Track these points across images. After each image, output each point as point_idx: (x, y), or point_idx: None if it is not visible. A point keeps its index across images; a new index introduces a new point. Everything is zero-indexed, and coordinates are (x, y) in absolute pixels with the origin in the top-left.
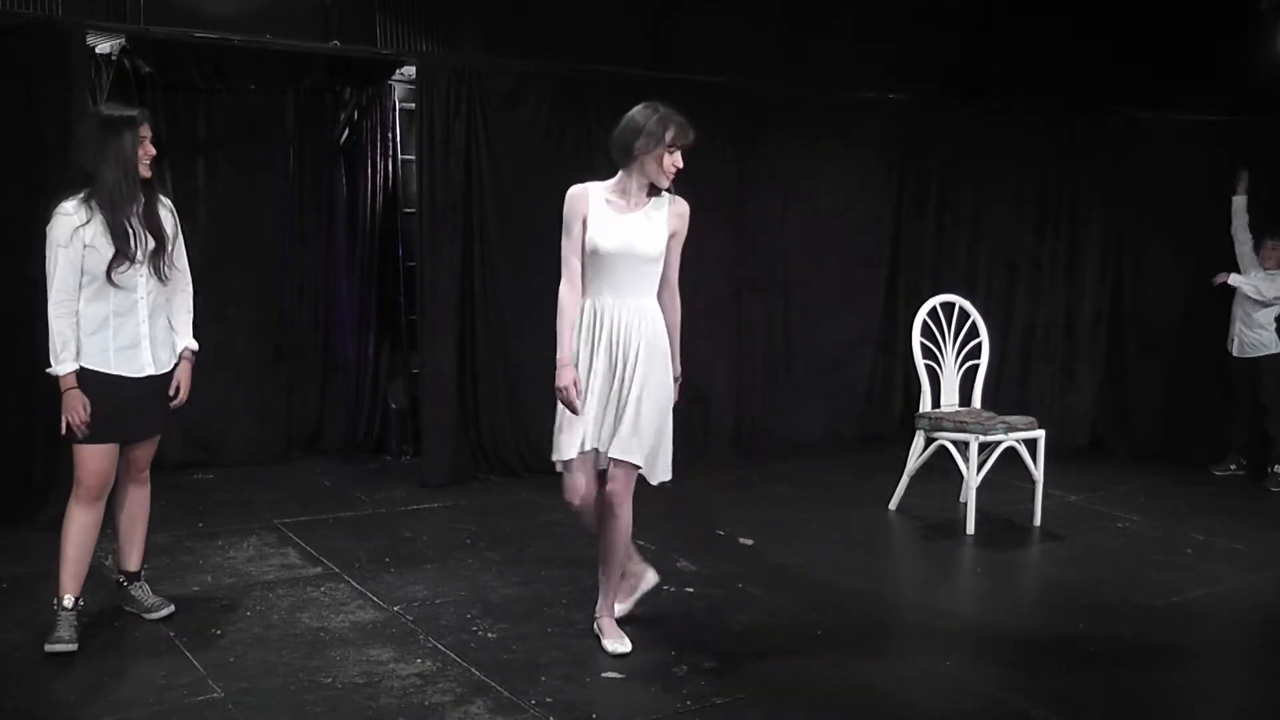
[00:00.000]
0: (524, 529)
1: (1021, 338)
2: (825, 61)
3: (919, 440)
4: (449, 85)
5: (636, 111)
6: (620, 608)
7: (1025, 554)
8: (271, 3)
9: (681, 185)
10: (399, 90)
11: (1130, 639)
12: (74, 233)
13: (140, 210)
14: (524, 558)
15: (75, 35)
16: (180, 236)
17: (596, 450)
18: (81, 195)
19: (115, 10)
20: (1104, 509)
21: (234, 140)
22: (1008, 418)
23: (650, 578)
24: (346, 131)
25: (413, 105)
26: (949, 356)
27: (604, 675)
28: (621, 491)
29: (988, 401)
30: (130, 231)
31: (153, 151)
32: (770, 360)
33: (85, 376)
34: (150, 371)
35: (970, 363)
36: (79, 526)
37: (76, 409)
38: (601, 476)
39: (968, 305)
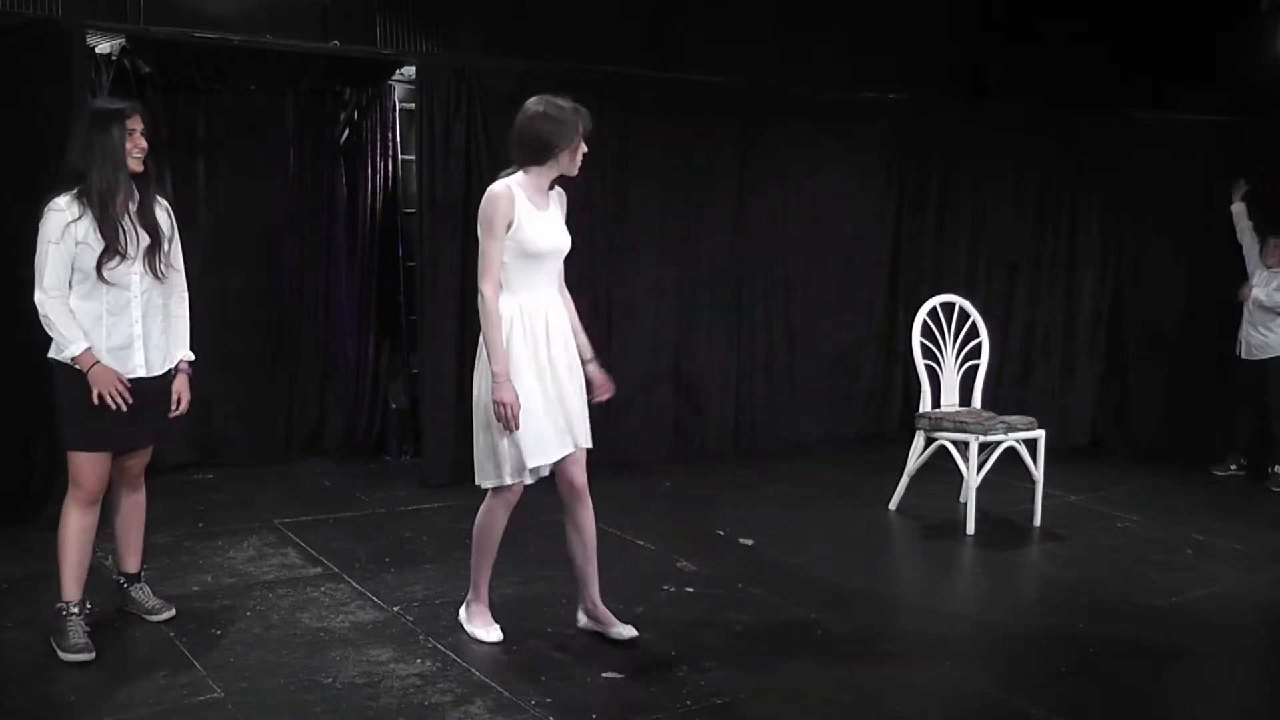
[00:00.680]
0: (524, 529)
1: (1021, 338)
2: (825, 61)
3: (919, 440)
4: (449, 85)
5: (545, 108)
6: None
7: (1025, 554)
8: (271, 3)
9: (680, 184)
10: (399, 90)
11: (1130, 639)
12: (66, 228)
13: (135, 206)
14: (524, 558)
15: (75, 35)
16: (177, 239)
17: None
18: (75, 191)
19: (115, 10)
20: (1104, 509)
21: (234, 140)
22: (1008, 418)
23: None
24: (346, 131)
25: (413, 105)
26: (949, 356)
27: (604, 675)
28: (585, 475)
29: (988, 401)
30: (121, 227)
31: (143, 144)
32: (770, 360)
33: (77, 376)
34: (141, 374)
35: (970, 363)
36: (76, 530)
37: (109, 381)
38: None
39: (968, 305)
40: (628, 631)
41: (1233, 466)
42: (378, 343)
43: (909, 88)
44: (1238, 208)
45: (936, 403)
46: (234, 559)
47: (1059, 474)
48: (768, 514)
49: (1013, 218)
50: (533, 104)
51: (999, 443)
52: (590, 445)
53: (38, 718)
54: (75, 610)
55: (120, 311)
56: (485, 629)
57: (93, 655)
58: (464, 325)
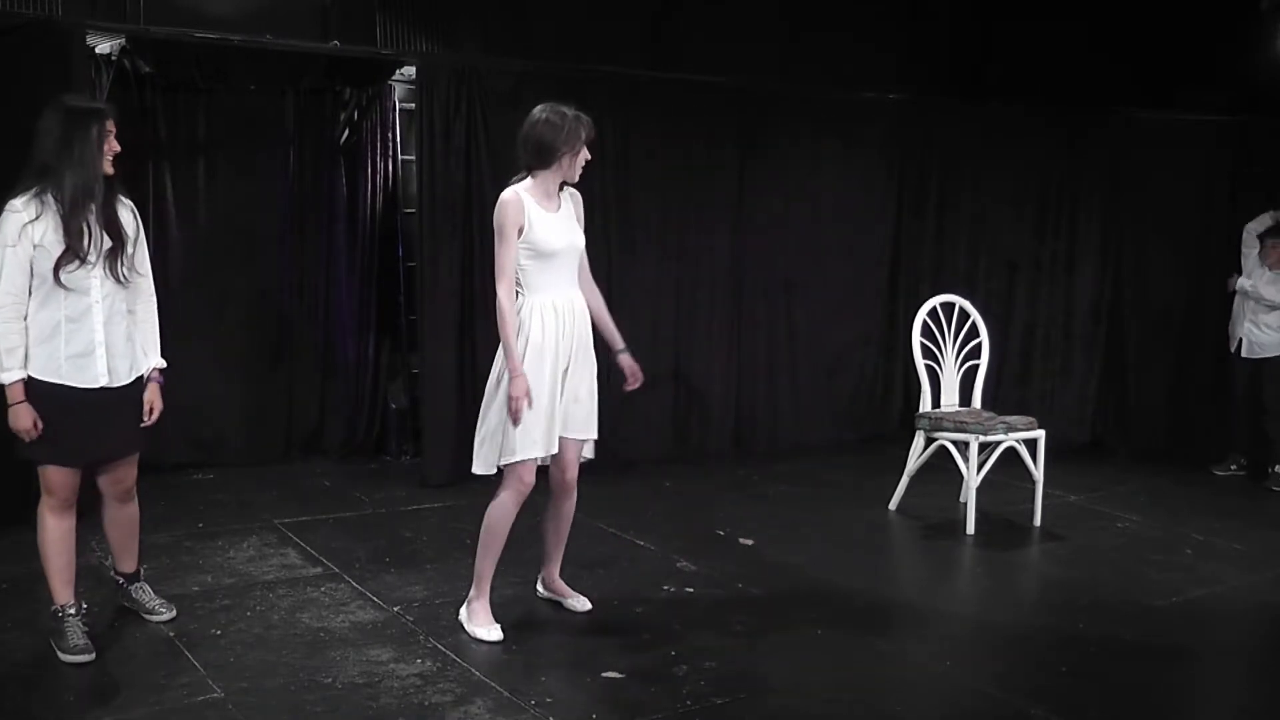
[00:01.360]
0: (523, 529)
1: (1021, 338)
2: (825, 61)
3: (919, 440)
4: (449, 85)
5: (549, 115)
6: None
7: (1025, 554)
8: (271, 3)
9: (680, 184)
10: (399, 90)
11: (1130, 639)
12: (22, 230)
13: (98, 207)
14: (524, 558)
15: (75, 35)
16: (143, 239)
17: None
18: (34, 190)
19: (115, 10)
20: (1104, 509)
21: (234, 140)
22: (1008, 418)
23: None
24: (346, 131)
25: (413, 105)
26: (949, 356)
27: (604, 675)
28: (576, 471)
29: (988, 401)
30: (86, 229)
31: (117, 147)
32: (770, 360)
33: (35, 388)
34: (105, 383)
35: (970, 363)
36: (55, 535)
37: (25, 423)
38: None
39: (968, 305)
40: (582, 604)
41: (1233, 466)
42: (378, 343)
43: (909, 87)
44: (1253, 226)
45: (936, 403)
46: (234, 559)
47: (1059, 474)
48: (768, 514)
49: (1013, 217)
50: (538, 111)
51: (999, 443)
52: (591, 435)
53: (37, 718)
54: (71, 612)
55: (80, 318)
56: (486, 627)
57: (92, 656)
58: (464, 325)
